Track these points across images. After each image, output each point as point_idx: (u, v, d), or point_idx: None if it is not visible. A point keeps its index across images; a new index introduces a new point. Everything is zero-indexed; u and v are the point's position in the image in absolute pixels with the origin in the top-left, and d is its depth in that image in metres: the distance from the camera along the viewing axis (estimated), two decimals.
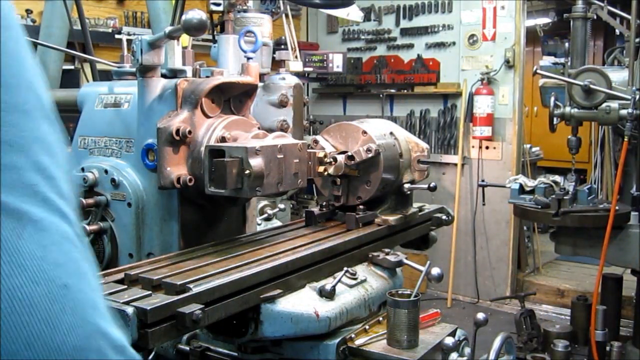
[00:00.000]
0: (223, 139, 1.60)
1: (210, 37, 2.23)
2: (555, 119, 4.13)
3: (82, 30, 3.00)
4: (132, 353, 0.66)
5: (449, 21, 6.35)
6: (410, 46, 6.63)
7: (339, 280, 1.52)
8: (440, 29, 6.42)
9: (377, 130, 1.88)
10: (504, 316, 5.02)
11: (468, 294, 6.27)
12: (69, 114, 2.18)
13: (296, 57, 5.15)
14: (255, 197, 1.74)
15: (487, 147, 6.16)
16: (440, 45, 6.41)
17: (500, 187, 4.85)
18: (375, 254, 1.72)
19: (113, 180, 1.69)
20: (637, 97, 3.70)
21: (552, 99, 4.07)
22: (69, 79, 4.25)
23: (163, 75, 1.68)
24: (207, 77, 1.72)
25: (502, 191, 4.84)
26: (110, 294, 1.22)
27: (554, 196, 4.09)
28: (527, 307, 4.99)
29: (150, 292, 1.25)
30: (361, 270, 1.66)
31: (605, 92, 3.80)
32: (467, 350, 1.50)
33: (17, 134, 0.61)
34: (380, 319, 1.59)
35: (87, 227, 1.68)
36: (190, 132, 1.56)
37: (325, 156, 1.75)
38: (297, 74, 2.05)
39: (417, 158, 1.96)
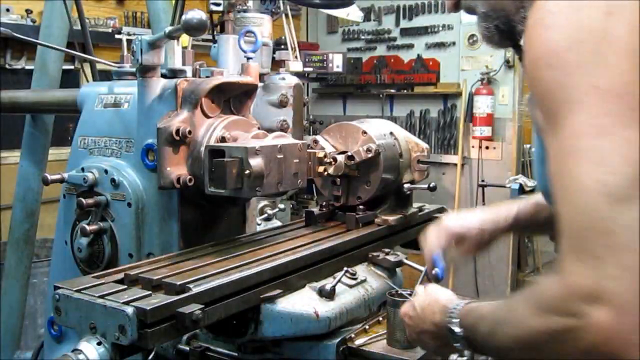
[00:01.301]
0: (223, 139, 1.60)
1: (210, 37, 2.22)
2: None
3: (82, 30, 2.99)
4: None
5: (449, 21, 6.34)
6: (410, 46, 6.63)
7: (339, 280, 1.52)
8: (440, 29, 6.42)
9: (377, 130, 1.88)
10: None
11: (468, 294, 6.25)
12: (69, 114, 2.18)
13: (296, 57, 5.14)
14: (255, 197, 1.74)
15: (487, 147, 6.16)
16: (440, 45, 6.41)
17: (500, 187, 4.85)
18: (375, 254, 1.72)
19: (113, 180, 1.69)
20: None
21: None
22: (69, 79, 4.26)
23: (163, 75, 1.68)
24: (207, 77, 1.72)
25: (502, 191, 4.84)
26: (110, 294, 1.22)
27: None
28: None
29: (150, 292, 1.25)
30: (361, 270, 1.66)
31: None
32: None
33: None
34: (380, 319, 1.59)
35: (87, 227, 1.68)
36: (190, 132, 1.56)
37: (325, 156, 1.75)
38: (297, 74, 2.05)
39: (417, 158, 1.96)
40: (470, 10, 1.27)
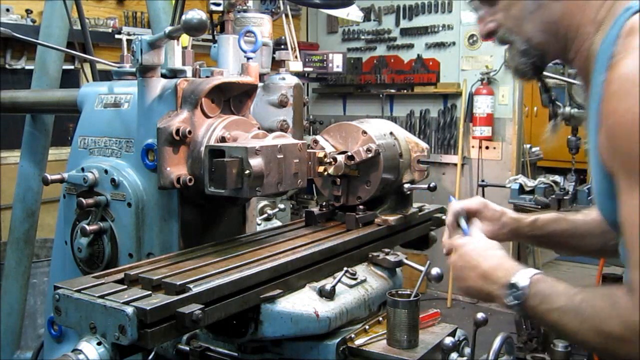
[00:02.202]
0: (223, 139, 1.60)
1: (210, 37, 2.22)
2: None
3: (82, 30, 3.00)
4: None
5: (449, 21, 6.35)
6: (410, 46, 6.63)
7: (339, 280, 1.52)
8: (440, 29, 6.42)
9: (377, 130, 1.88)
10: (504, 316, 5.02)
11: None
12: (69, 114, 2.18)
13: (296, 57, 5.14)
14: (255, 197, 1.74)
15: (487, 147, 6.16)
16: (440, 45, 6.41)
17: (500, 187, 4.85)
18: (375, 254, 1.72)
19: (113, 180, 1.69)
20: None
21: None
22: (69, 79, 4.25)
23: (163, 75, 1.68)
24: (207, 77, 1.72)
25: (502, 191, 4.84)
26: (110, 294, 1.22)
27: (553, 196, 4.08)
28: None
29: (150, 292, 1.25)
30: (361, 270, 1.66)
31: None
32: (467, 350, 1.50)
33: None
34: (380, 319, 1.59)
35: (87, 227, 1.68)
36: (190, 132, 1.56)
37: (325, 156, 1.75)
38: (297, 74, 2.05)
39: (417, 158, 1.96)
40: (505, 43, 1.34)
